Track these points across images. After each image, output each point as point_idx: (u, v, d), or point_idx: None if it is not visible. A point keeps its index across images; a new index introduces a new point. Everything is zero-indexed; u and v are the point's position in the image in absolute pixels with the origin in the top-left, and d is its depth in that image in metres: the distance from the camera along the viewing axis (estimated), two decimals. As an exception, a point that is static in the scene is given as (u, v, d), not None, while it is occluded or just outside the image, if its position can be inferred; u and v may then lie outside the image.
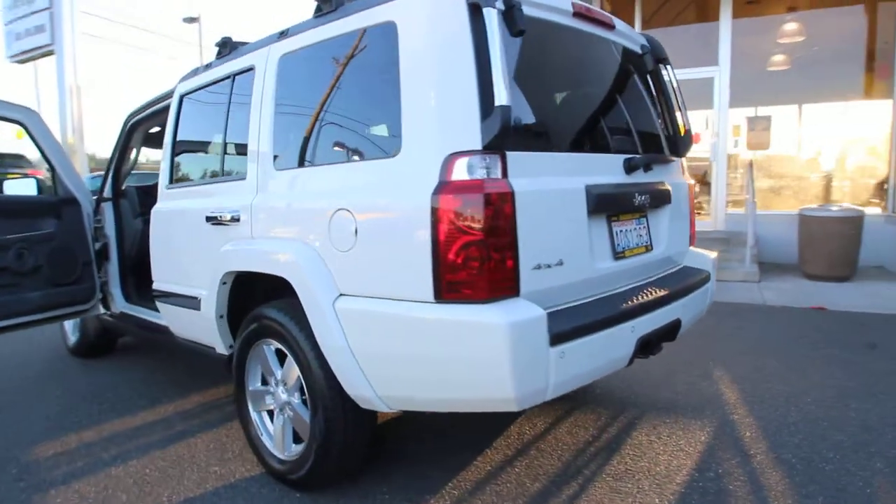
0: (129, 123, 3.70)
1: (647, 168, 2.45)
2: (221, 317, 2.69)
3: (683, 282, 2.54)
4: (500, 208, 1.79)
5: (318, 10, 2.36)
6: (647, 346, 2.22)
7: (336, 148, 2.23)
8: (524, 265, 1.86)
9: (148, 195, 4.13)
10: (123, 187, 4.01)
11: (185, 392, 3.59)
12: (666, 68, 2.78)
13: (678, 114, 2.82)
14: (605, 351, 2.04)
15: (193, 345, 3.05)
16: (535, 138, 2.00)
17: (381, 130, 2.09)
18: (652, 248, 2.50)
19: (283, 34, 2.52)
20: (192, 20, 20.86)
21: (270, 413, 2.57)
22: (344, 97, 2.26)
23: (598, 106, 2.36)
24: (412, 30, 1.93)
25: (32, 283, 3.42)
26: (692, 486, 2.36)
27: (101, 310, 3.87)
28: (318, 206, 2.17)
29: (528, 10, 1.99)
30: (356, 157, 2.14)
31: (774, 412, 3.04)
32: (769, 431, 2.82)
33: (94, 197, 3.84)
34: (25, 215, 3.46)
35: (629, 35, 2.64)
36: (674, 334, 2.43)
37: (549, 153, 2.05)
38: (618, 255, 2.28)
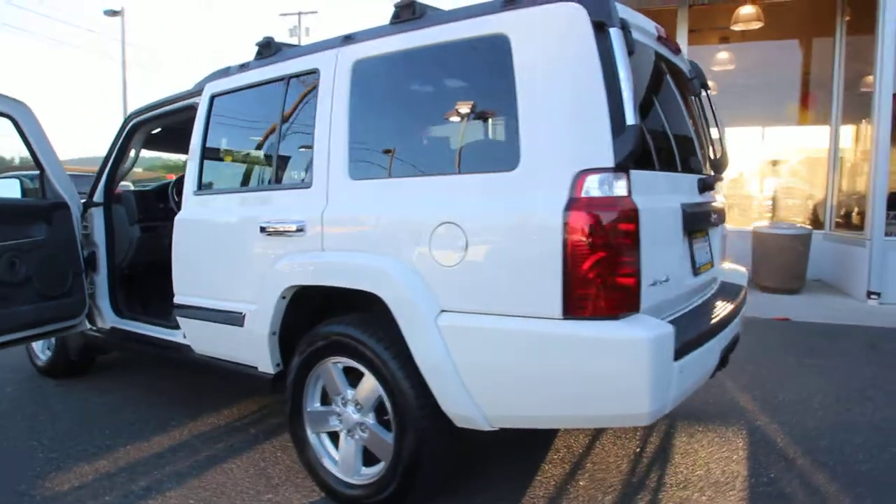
0: (132, 123, 3.41)
1: (711, 188, 2.56)
2: (274, 333, 2.52)
3: (736, 297, 2.66)
4: (630, 226, 1.81)
5: (396, 16, 2.29)
6: (725, 358, 2.32)
7: (431, 160, 2.16)
8: (644, 281, 1.88)
9: (148, 200, 3.83)
10: (118, 191, 3.68)
11: (195, 413, 3.33)
12: (707, 92, 2.92)
13: (717, 135, 2.97)
14: (705, 364, 2.10)
15: (222, 363, 2.83)
16: (645, 157, 2.04)
17: (488, 144, 2.05)
18: (713, 265, 2.60)
19: (348, 38, 2.42)
20: (113, 13, 19.58)
21: (330, 435, 2.44)
22: (436, 108, 2.20)
23: (677, 126, 2.44)
24: (531, 45, 1.91)
25: (24, 295, 3.07)
26: (755, 492, 2.46)
27: (87, 325, 3.53)
28: (415, 218, 2.09)
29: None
30: (457, 170, 2.09)
31: (792, 418, 3.23)
32: (796, 436, 3.00)
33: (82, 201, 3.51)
34: (14, 220, 3.11)
35: (685, 60, 2.76)
36: (734, 347, 2.54)
37: (653, 172, 2.10)
38: (696, 270, 2.35)
